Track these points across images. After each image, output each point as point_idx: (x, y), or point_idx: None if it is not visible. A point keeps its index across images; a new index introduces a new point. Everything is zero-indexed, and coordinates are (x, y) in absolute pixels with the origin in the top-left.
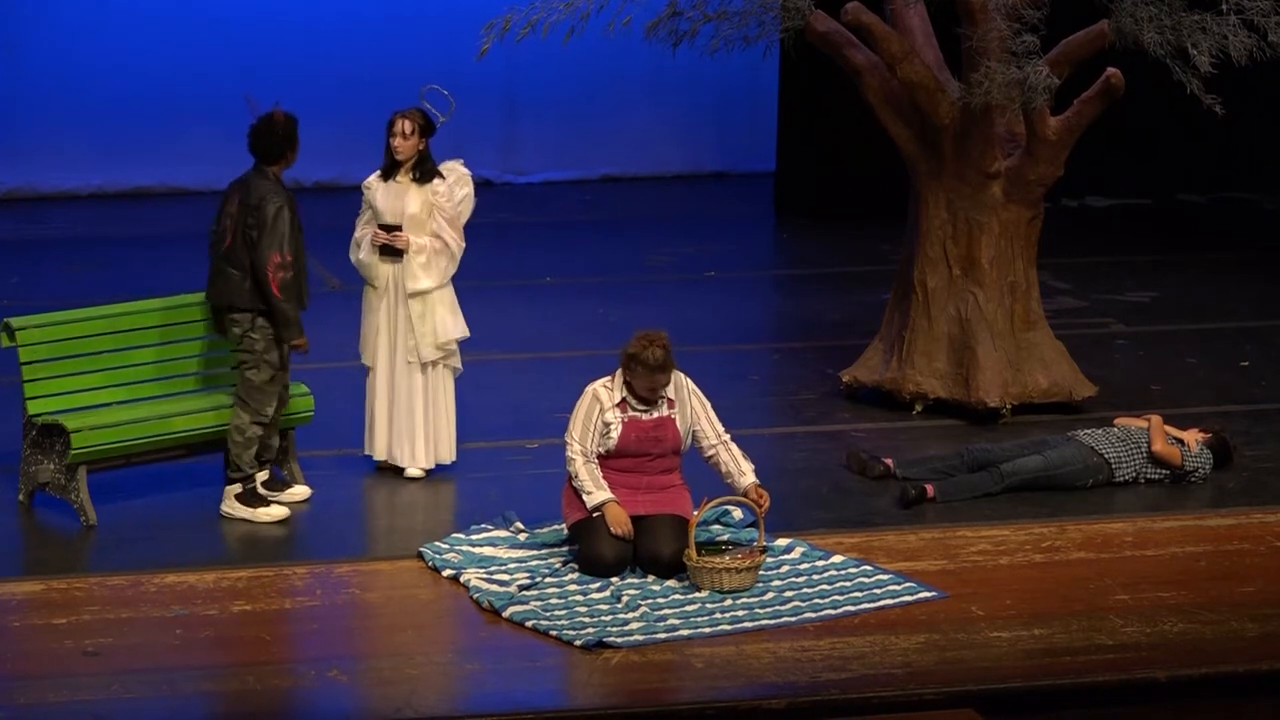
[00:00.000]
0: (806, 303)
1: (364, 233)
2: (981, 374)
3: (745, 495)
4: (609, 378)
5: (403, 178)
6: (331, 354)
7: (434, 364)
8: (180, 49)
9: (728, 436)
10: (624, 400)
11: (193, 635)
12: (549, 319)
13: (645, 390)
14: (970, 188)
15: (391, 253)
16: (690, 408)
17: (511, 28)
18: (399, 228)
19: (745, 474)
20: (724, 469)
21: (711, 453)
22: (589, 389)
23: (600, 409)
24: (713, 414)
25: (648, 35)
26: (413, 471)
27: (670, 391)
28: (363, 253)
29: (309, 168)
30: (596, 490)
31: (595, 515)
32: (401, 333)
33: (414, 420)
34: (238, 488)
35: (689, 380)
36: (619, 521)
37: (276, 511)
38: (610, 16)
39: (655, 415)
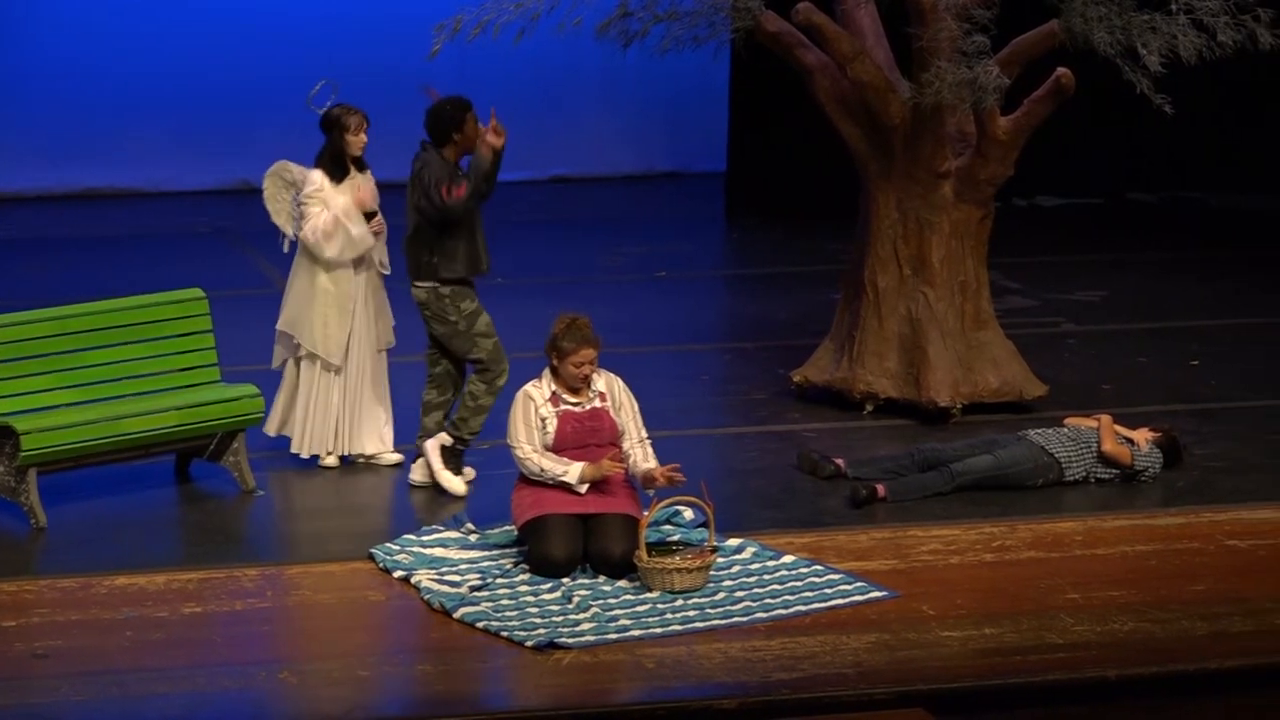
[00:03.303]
0: (757, 302)
1: (329, 219)
2: (932, 373)
3: (647, 476)
4: (536, 379)
5: (355, 173)
6: None
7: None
8: (130, 50)
9: (648, 440)
10: (555, 394)
11: (143, 637)
12: (500, 320)
13: (575, 367)
14: (921, 187)
15: None
16: (621, 403)
17: (462, 28)
18: (374, 215)
19: (649, 460)
20: (632, 461)
21: (627, 448)
22: (519, 393)
23: (534, 406)
24: (639, 416)
25: (598, 36)
26: (390, 458)
27: (601, 386)
28: (354, 229)
29: (258, 167)
30: (568, 467)
31: (549, 515)
32: (370, 323)
33: (382, 408)
34: (448, 440)
35: (620, 379)
36: (604, 467)
37: (458, 485)
38: (561, 17)
39: (588, 407)
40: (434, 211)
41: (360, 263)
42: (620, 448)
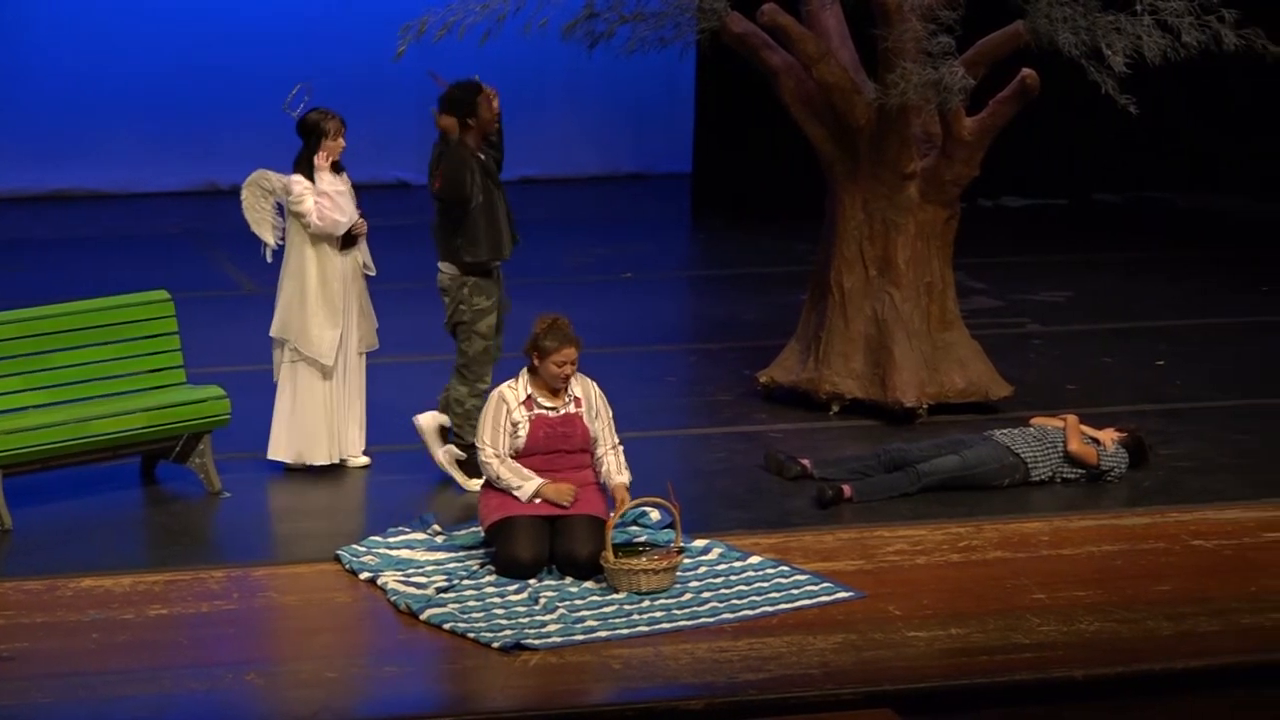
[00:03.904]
0: (723, 303)
1: (315, 203)
2: (898, 374)
3: (615, 490)
4: (513, 379)
5: (336, 175)
6: (244, 357)
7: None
8: (97, 53)
9: (620, 446)
10: (530, 398)
11: (109, 639)
12: None
13: (557, 366)
14: (886, 188)
15: (350, 242)
16: (596, 410)
17: (428, 29)
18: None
19: (622, 473)
20: (605, 469)
21: (600, 455)
22: (495, 392)
23: (507, 409)
24: (613, 422)
25: (564, 37)
26: (360, 460)
27: (577, 391)
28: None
29: (225, 169)
30: (525, 482)
31: (516, 517)
32: (354, 324)
33: (358, 410)
34: (459, 453)
35: (596, 385)
36: (564, 494)
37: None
38: (527, 18)
39: (562, 412)
40: (437, 201)
41: (346, 264)
42: (594, 453)
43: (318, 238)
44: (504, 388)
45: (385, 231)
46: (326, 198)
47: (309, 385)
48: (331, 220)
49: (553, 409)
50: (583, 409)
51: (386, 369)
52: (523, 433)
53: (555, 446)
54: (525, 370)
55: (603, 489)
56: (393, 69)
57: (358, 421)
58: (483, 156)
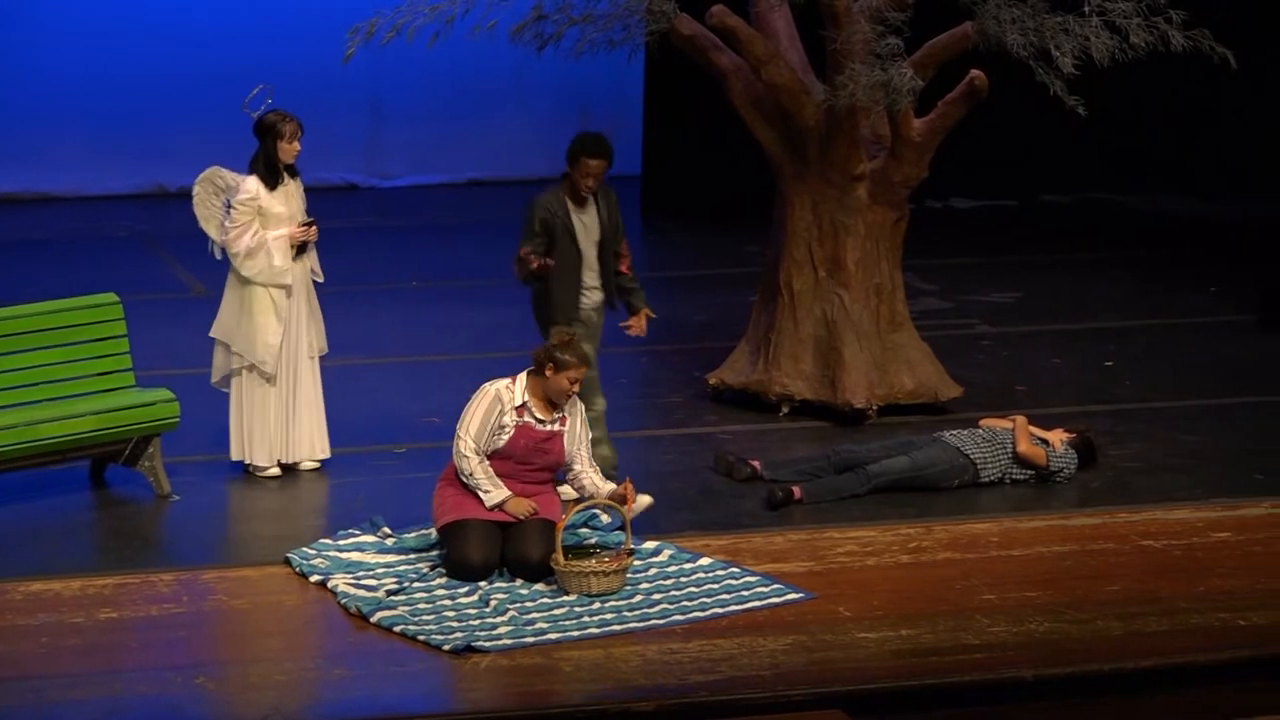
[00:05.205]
0: (673, 305)
1: (259, 240)
2: (847, 375)
3: (612, 497)
4: (509, 380)
5: (288, 179)
6: (193, 359)
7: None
8: (45, 55)
9: (593, 464)
10: (524, 405)
11: (59, 643)
12: (415, 323)
13: (570, 382)
14: (835, 190)
15: (302, 248)
16: (578, 435)
17: (377, 31)
18: (312, 223)
19: (607, 484)
20: (588, 486)
21: (578, 472)
22: (490, 389)
23: (500, 410)
24: (590, 446)
25: (513, 39)
26: (310, 464)
27: (567, 410)
28: (277, 259)
29: (173, 172)
30: (495, 489)
31: (468, 520)
32: (304, 329)
33: (316, 414)
34: None
35: (582, 409)
36: (523, 509)
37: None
38: (475, 20)
39: (549, 428)
40: None
41: (294, 269)
42: (571, 469)
43: (254, 252)
44: (500, 387)
45: (329, 234)
46: (261, 240)
47: (256, 389)
48: (236, 255)
49: (541, 422)
50: (566, 427)
51: (330, 371)
52: (505, 437)
53: (530, 459)
54: (525, 375)
55: (556, 493)
56: (342, 71)
57: (315, 425)
58: (579, 213)
